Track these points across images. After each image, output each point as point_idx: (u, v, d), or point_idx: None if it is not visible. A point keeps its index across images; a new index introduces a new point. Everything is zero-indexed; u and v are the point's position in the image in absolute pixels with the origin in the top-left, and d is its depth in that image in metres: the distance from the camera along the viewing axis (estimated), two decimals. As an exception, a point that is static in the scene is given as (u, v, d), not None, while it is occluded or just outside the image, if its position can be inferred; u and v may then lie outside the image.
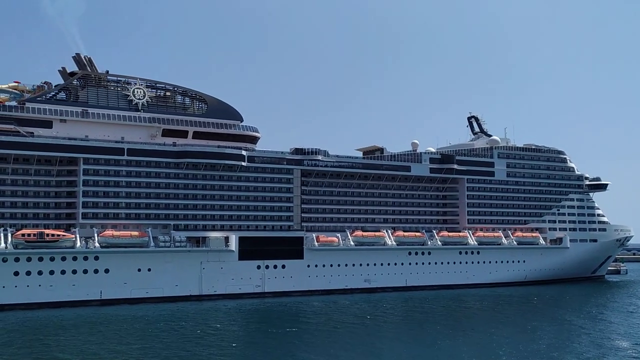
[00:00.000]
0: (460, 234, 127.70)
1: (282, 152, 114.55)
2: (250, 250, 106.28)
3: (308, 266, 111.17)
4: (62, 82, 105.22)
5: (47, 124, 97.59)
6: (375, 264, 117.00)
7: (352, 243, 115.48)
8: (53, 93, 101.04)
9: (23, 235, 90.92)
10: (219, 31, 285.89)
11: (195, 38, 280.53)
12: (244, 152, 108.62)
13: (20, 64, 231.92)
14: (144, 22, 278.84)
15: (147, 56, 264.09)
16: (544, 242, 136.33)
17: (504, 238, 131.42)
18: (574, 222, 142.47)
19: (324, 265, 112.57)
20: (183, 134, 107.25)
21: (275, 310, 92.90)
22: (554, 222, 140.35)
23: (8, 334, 71.21)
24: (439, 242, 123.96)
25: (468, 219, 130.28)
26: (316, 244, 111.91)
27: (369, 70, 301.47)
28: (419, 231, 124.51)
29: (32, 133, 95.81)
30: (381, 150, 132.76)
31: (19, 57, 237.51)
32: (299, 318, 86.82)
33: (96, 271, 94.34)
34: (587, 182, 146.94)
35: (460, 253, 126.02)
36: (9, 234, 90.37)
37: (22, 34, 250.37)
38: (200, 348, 63.72)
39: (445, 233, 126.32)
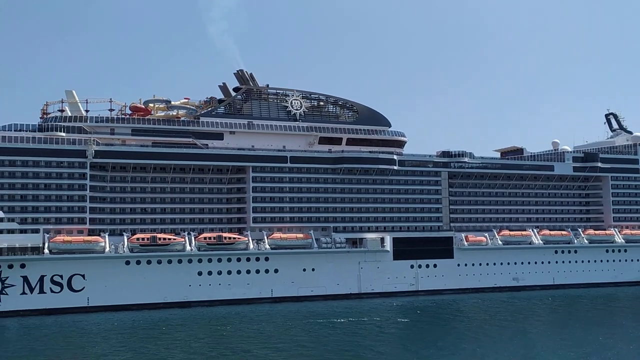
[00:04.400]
0: (607, 232, 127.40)
1: (429, 155, 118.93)
2: (403, 250, 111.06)
3: (458, 265, 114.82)
4: (222, 96, 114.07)
5: (219, 136, 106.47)
6: (522, 263, 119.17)
7: (499, 242, 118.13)
8: (222, 107, 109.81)
9: (205, 238, 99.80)
10: (366, 40, 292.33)
11: (339, 48, 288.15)
12: (395, 157, 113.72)
13: (181, 80, 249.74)
14: (295, 33, 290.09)
15: (298, 67, 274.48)
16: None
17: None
18: None
19: (473, 264, 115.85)
20: (337, 141, 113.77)
21: (439, 307, 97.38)
22: None
23: (198, 327, 79.46)
24: (586, 241, 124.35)
25: (613, 217, 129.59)
26: (465, 243, 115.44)
27: (504, 71, 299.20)
28: (564, 230, 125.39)
29: (207, 145, 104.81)
30: (521, 150, 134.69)
31: (181, 73, 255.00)
32: (466, 314, 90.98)
33: (267, 271, 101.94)
34: None
35: (607, 251, 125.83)
36: (193, 238, 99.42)
37: (185, 52, 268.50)
38: (380, 343, 69.31)
39: (591, 231, 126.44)
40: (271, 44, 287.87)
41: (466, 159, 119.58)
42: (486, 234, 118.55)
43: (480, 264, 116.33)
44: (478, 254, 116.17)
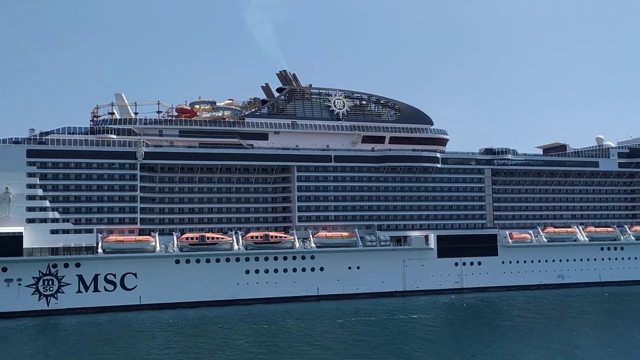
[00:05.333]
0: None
1: (472, 153, 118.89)
2: (448, 247, 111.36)
3: (502, 263, 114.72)
4: (265, 96, 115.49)
5: (264, 137, 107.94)
6: (568, 260, 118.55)
7: (544, 239, 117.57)
8: (265, 108, 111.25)
9: (252, 237, 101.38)
10: (405, 37, 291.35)
11: (379, 46, 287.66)
12: (438, 155, 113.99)
13: (224, 81, 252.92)
14: (334, 32, 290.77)
15: (339, 66, 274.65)
16: None
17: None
18: None
19: (517, 262, 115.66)
20: (380, 140, 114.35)
21: (485, 305, 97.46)
22: None
23: (248, 325, 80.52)
24: (632, 237, 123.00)
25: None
26: (510, 241, 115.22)
27: (545, 66, 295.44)
28: (609, 226, 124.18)
29: (252, 145, 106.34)
30: (564, 146, 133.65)
31: (224, 75, 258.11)
32: (514, 312, 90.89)
33: (313, 269, 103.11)
34: None
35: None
36: (240, 237, 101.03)
37: (227, 53, 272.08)
38: (429, 340, 69.95)
39: (637, 228, 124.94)
40: (312, 43, 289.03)
41: (509, 156, 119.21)
42: (530, 231, 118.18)
43: (524, 262, 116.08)
44: (523, 252, 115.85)
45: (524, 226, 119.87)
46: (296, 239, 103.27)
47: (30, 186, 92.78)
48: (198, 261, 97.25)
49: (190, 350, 66.02)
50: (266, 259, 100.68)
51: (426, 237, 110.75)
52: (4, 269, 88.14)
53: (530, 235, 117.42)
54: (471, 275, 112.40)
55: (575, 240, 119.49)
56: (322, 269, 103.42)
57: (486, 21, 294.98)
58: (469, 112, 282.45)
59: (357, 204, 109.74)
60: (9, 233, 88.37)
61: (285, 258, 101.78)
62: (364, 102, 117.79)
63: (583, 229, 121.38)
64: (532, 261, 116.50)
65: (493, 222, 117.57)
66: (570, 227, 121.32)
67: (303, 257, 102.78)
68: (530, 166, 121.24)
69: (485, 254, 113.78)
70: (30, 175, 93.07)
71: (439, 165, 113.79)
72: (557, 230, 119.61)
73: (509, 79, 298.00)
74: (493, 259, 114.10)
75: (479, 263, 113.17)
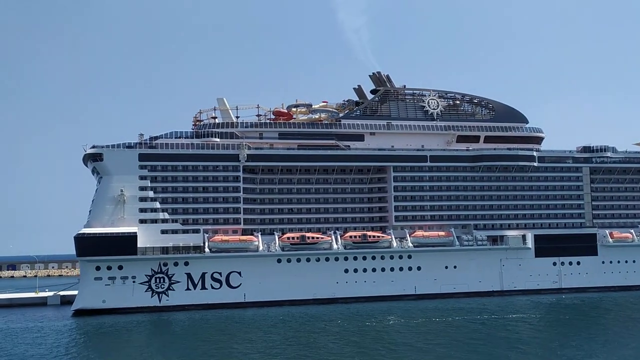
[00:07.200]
0: None
1: (569, 151, 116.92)
2: (545, 247, 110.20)
3: (603, 262, 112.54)
4: (356, 98, 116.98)
5: (360, 138, 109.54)
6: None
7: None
8: (359, 109, 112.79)
9: (350, 237, 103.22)
10: (499, 37, 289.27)
11: (471, 46, 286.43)
12: (534, 153, 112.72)
13: (318, 84, 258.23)
14: (426, 32, 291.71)
15: (432, 66, 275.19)
16: None
17: None
18: None
19: (619, 262, 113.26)
20: (475, 139, 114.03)
21: (587, 305, 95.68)
22: None
23: (356, 322, 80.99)
24: None
25: None
26: (610, 240, 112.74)
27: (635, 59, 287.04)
28: None
29: (349, 146, 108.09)
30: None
31: (318, 77, 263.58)
32: (618, 313, 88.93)
33: (410, 268, 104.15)
34: None
35: None
36: (338, 236, 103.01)
37: (321, 56, 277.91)
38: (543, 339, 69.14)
39: None
40: (403, 43, 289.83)
41: (608, 154, 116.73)
42: (632, 231, 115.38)
43: (626, 262, 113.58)
44: (624, 251, 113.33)
45: (624, 225, 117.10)
46: (393, 239, 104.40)
47: (142, 188, 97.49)
48: (299, 260, 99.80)
49: (304, 348, 67.14)
50: (364, 258, 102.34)
51: (523, 236, 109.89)
52: (120, 267, 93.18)
53: (632, 234, 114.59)
54: (570, 275, 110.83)
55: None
56: (419, 268, 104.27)
57: (579, 18, 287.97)
58: (564, 111, 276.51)
59: (453, 203, 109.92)
60: (124, 233, 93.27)
61: (382, 257, 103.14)
62: (457, 102, 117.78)
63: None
64: (634, 261, 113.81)
65: (592, 221, 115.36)
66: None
67: (400, 257, 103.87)
68: (631, 164, 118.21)
69: (585, 253, 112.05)
70: (142, 178, 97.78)
71: (535, 164, 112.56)
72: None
73: (605, 76, 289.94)
74: (593, 258, 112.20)
75: (578, 263, 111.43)
